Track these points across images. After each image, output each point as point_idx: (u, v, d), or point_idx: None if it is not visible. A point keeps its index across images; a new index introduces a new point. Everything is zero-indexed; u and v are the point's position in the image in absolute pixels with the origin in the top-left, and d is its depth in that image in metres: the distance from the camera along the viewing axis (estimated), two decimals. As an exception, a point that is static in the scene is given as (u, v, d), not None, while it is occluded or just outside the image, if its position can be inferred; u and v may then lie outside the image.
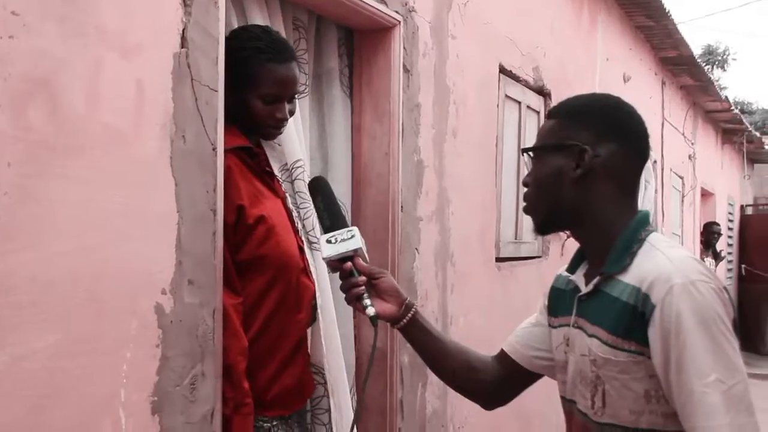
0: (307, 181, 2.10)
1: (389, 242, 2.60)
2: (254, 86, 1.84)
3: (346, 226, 1.55)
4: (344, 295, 1.55)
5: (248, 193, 1.81)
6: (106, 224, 1.42)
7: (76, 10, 1.36)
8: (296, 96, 1.99)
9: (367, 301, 1.52)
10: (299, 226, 2.03)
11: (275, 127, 1.91)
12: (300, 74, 2.00)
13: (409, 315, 1.57)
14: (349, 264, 1.52)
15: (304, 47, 2.33)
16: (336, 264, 1.53)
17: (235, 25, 1.99)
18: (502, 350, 1.61)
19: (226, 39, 1.75)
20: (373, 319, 1.51)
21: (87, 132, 1.39)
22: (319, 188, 1.65)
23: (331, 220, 1.57)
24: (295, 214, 2.03)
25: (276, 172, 2.05)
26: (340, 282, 1.55)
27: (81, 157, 1.37)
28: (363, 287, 1.53)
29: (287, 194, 2.05)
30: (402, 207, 2.66)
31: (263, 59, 1.84)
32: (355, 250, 1.52)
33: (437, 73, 2.95)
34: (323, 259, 1.54)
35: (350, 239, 1.52)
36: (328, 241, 1.52)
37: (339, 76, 2.55)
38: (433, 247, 2.94)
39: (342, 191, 2.54)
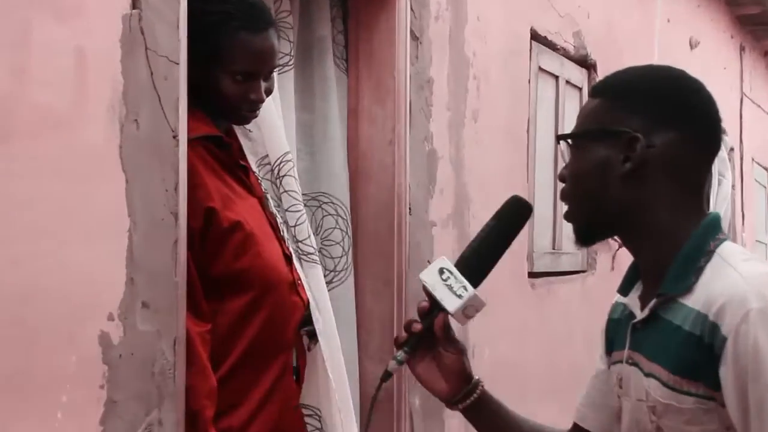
0: (296, 177, 2.11)
1: (394, 252, 2.60)
2: (222, 60, 1.85)
3: (477, 280, 1.48)
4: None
5: (219, 192, 1.82)
6: (37, 231, 1.42)
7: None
8: (275, 70, 2.00)
9: (400, 354, 1.47)
10: (284, 234, 2.03)
11: (249, 110, 1.93)
12: (281, 43, 2.02)
13: (474, 396, 1.53)
14: (425, 305, 1.48)
15: (287, 9, 2.34)
16: (424, 294, 1.49)
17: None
18: (573, 423, 1.59)
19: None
20: (386, 375, 1.47)
21: (12, 114, 1.38)
22: (511, 213, 1.53)
23: (471, 257, 1.48)
24: (279, 219, 2.04)
25: (253, 166, 2.06)
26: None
27: (5, 145, 1.37)
28: (410, 337, 1.47)
29: (267, 194, 2.06)
30: (410, 208, 2.67)
31: (234, 27, 1.85)
32: (445, 311, 1.47)
33: (453, 41, 2.95)
34: (419, 276, 1.49)
35: (453, 296, 1.45)
36: (441, 271, 1.46)
37: (332, 46, 2.56)
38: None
39: (336, 189, 2.55)
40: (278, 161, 2.11)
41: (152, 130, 1.62)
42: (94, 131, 1.52)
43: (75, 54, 1.49)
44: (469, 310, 1.45)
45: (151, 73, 1.62)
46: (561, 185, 1.45)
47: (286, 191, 2.10)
